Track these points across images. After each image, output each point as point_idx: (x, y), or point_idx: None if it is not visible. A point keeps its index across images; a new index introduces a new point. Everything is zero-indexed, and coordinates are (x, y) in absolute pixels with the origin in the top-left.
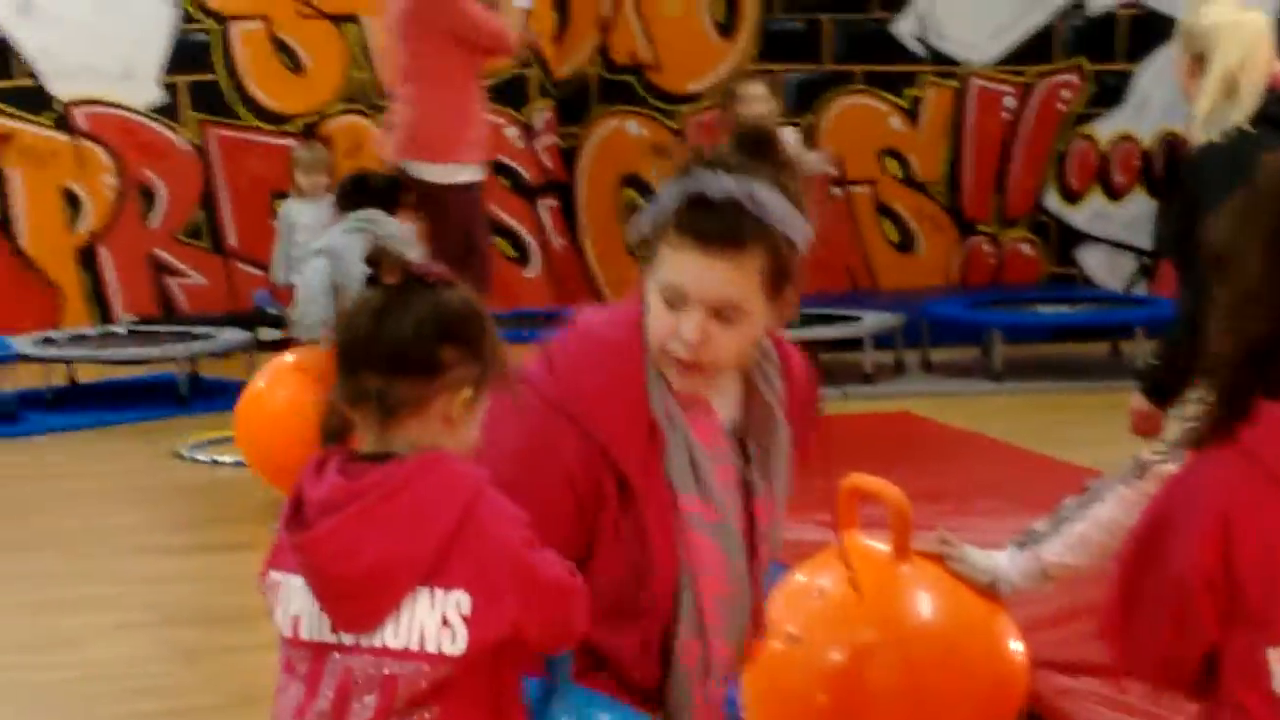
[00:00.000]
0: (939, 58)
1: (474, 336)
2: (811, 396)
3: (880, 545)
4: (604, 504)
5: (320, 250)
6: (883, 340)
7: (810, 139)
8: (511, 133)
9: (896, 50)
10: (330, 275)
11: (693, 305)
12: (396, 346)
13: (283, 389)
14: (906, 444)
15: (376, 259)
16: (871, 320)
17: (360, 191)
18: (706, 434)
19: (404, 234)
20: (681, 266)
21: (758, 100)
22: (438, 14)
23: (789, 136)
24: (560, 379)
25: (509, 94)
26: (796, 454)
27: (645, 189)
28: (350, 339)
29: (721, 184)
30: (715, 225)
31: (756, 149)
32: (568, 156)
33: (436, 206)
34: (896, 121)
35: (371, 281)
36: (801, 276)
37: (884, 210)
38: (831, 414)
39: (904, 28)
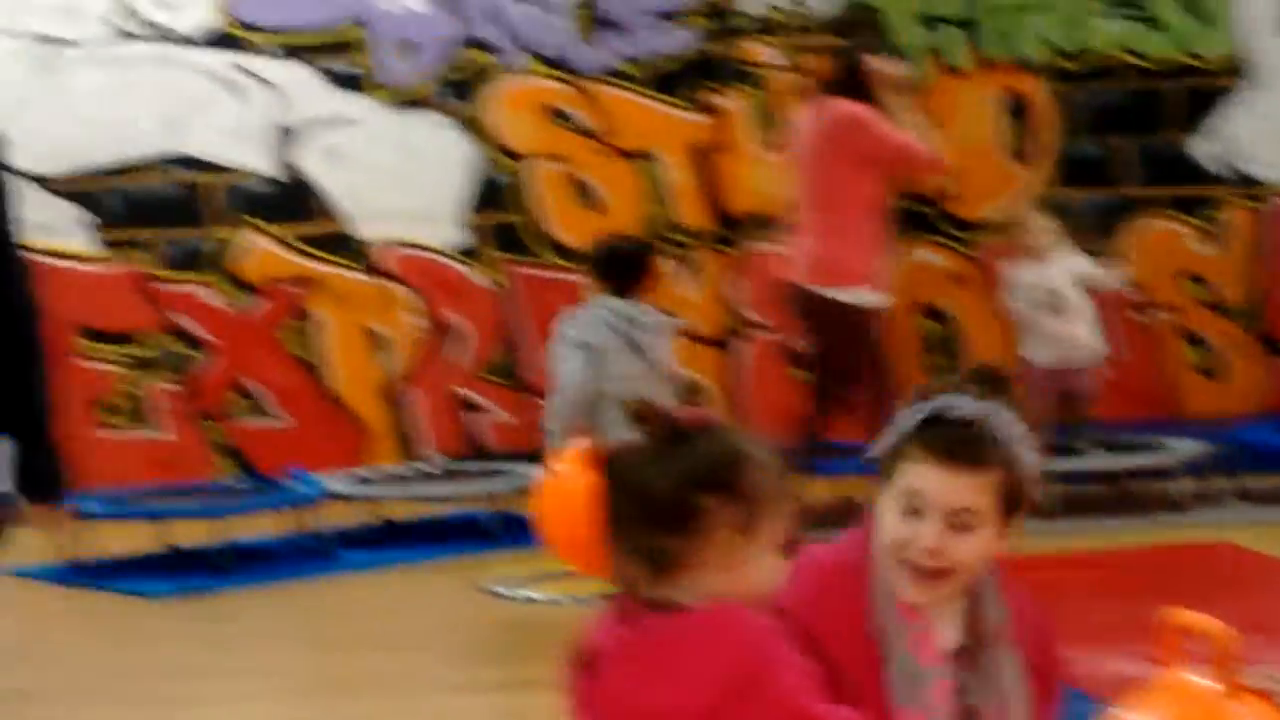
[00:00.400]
0: (1241, 179)
1: (735, 481)
2: (1044, 622)
3: (1206, 682)
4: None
5: (581, 344)
6: (1191, 468)
7: (1105, 259)
8: None
9: (1197, 172)
10: (590, 378)
11: (932, 513)
12: (657, 502)
13: (577, 469)
14: (1224, 574)
15: (641, 414)
16: (1179, 447)
17: (613, 263)
18: (926, 650)
19: (659, 326)
20: (923, 476)
21: (1041, 230)
22: (851, 138)
23: (1079, 261)
24: (786, 597)
25: None
26: (1040, 683)
27: (942, 318)
28: (616, 494)
29: (963, 406)
30: (957, 440)
31: (991, 384)
32: None
33: (842, 329)
34: (1198, 244)
35: (636, 431)
36: (1030, 504)
37: (1187, 335)
38: (1145, 544)
39: (1203, 149)
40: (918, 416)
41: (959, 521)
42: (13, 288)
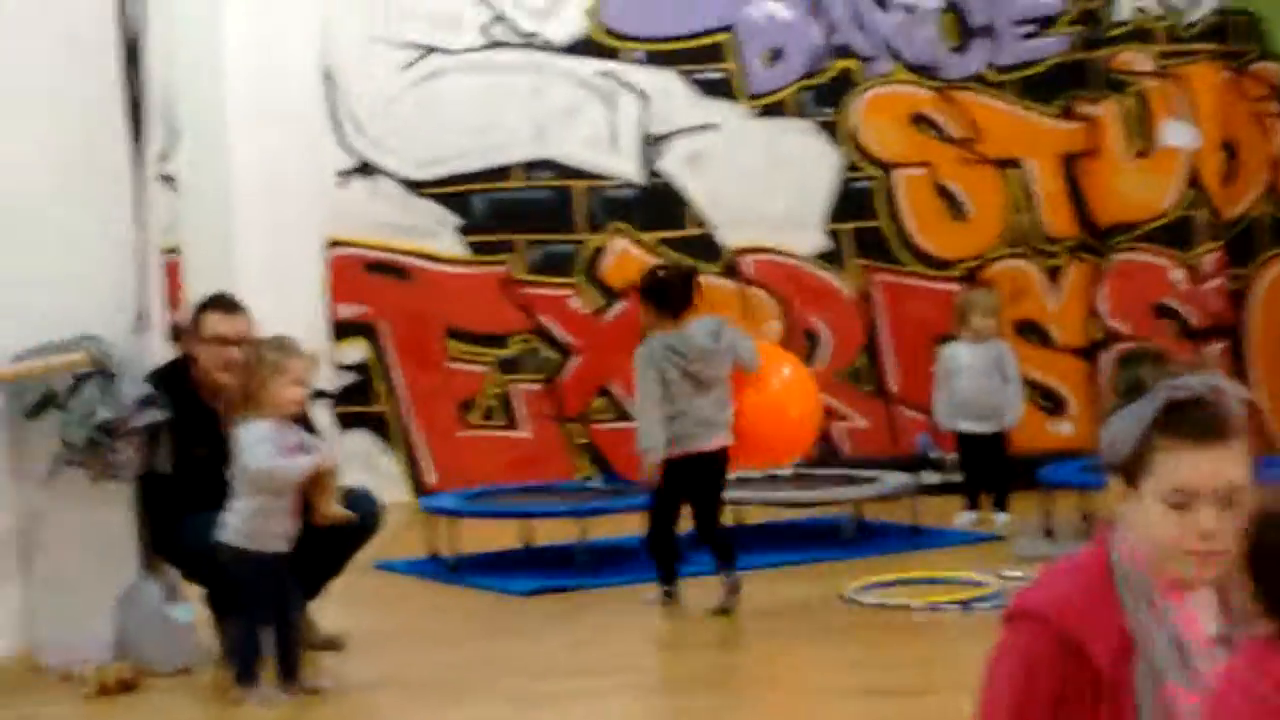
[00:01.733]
0: None
1: None
2: None
3: None
4: (1080, 699)
5: (643, 375)
6: None
7: None
8: (1177, 275)
9: None
10: (655, 400)
11: (1204, 499)
12: None
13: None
14: None
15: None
16: None
17: (658, 294)
18: (1194, 633)
19: (703, 352)
20: (1187, 464)
21: None
22: None
23: None
24: (1041, 594)
25: (1176, 236)
26: None
27: None
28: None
29: (1190, 384)
30: (1204, 420)
31: (1160, 359)
32: (1237, 298)
33: None
34: None
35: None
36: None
37: None
38: None
39: None
40: (1151, 408)
41: (1229, 500)
42: None
